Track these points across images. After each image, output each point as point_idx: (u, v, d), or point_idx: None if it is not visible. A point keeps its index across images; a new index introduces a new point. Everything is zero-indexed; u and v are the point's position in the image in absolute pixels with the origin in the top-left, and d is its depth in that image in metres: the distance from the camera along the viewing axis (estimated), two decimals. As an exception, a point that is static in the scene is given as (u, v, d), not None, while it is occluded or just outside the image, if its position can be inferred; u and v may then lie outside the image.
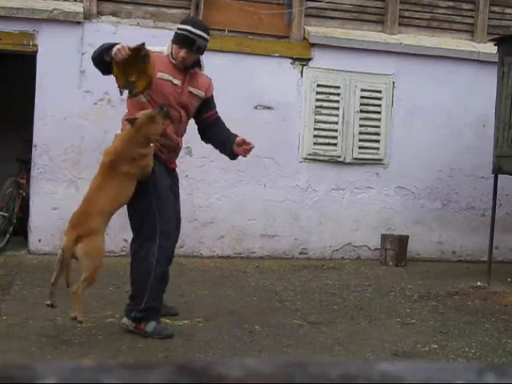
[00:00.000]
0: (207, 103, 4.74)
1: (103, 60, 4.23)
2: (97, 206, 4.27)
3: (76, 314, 4.15)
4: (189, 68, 4.59)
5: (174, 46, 4.53)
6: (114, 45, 4.21)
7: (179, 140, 4.67)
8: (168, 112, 4.36)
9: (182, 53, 4.48)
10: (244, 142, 4.65)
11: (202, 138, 4.91)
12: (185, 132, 4.76)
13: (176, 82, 4.53)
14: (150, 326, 4.40)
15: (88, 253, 4.14)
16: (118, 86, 4.27)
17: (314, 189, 7.92)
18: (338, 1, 8.03)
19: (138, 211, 4.48)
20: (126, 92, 4.35)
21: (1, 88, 8.84)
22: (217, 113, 4.82)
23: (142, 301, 4.40)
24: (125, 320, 4.48)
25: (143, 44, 4.18)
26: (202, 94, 4.67)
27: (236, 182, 7.65)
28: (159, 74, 4.41)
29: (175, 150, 4.68)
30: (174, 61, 4.53)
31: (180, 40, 4.49)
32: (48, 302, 4.23)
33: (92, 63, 4.42)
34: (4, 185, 7.30)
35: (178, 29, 4.56)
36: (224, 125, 4.81)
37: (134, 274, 4.56)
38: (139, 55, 4.17)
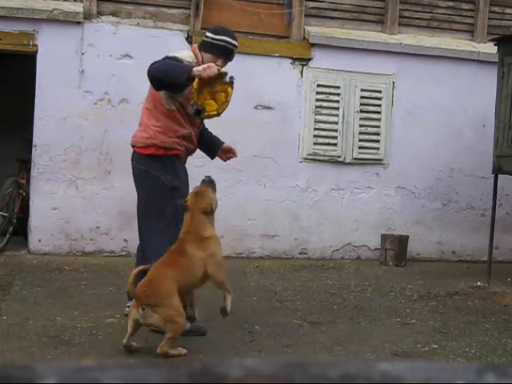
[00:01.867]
0: None
1: (177, 78, 4.21)
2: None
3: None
4: None
5: (208, 55, 4.59)
6: (180, 63, 4.32)
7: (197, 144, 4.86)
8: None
9: (219, 62, 4.53)
10: (230, 150, 4.97)
11: None
12: None
13: None
14: (187, 324, 4.46)
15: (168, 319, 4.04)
16: (193, 101, 4.30)
17: (313, 189, 7.91)
18: (338, 1, 8.02)
19: (163, 214, 4.53)
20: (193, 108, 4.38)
21: (1, 88, 8.83)
22: None
23: None
24: None
25: (226, 73, 4.35)
26: None
27: (236, 181, 7.65)
28: None
29: (192, 152, 4.87)
30: None
31: (218, 50, 4.57)
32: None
33: (151, 78, 4.35)
34: (4, 185, 7.29)
35: (214, 39, 4.60)
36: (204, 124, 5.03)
37: None
38: (219, 81, 4.30)
